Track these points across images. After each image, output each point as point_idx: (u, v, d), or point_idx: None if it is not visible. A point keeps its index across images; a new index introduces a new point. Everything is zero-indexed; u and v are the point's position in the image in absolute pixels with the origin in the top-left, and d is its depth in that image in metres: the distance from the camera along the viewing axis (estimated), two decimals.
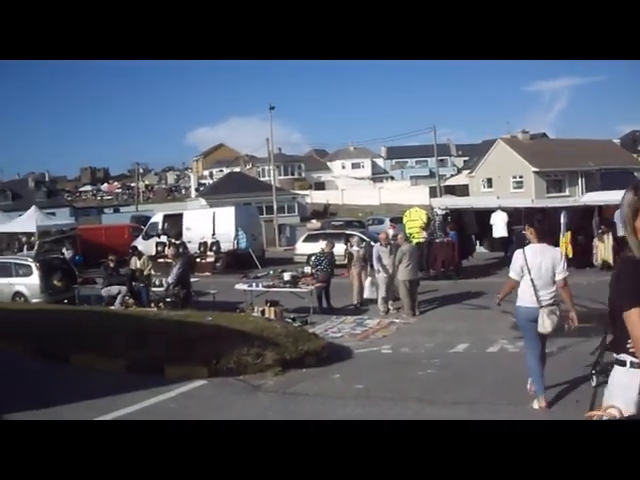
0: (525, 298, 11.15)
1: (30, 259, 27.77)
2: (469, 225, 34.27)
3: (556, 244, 28.29)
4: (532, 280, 10.95)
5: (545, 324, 10.83)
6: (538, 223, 11.79)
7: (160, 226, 45.82)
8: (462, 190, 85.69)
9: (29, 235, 46.57)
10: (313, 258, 26.08)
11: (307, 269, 25.79)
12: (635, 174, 68.87)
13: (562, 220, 30.16)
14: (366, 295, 24.20)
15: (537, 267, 11.00)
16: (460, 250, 32.03)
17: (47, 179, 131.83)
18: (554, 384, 11.89)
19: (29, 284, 25.90)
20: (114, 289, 23.78)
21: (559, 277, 11.02)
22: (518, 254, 11.32)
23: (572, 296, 11.37)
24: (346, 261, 27.14)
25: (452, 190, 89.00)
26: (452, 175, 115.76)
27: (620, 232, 27.48)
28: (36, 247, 42.38)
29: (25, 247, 44.28)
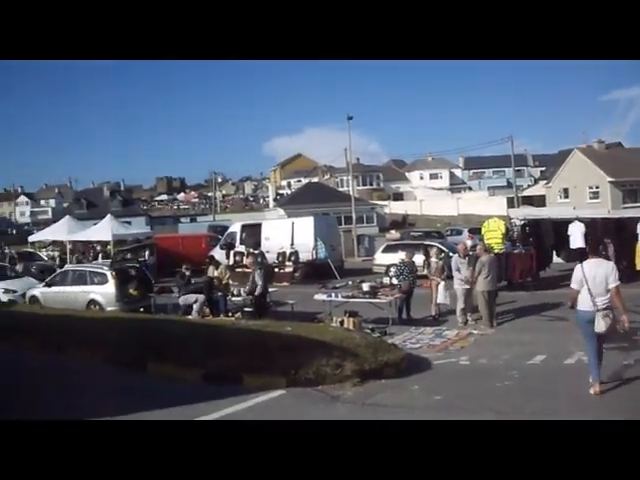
0: (583, 303, 12.83)
1: (106, 267, 27.79)
2: (546, 236, 33.81)
3: (632, 254, 28.09)
4: (589, 289, 12.65)
5: (600, 325, 12.51)
6: (592, 240, 13.70)
7: (238, 236, 45.83)
8: (539, 200, 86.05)
9: (104, 243, 47.13)
10: (394, 269, 26.03)
11: (386, 280, 25.77)
12: None
13: (639, 230, 29.79)
14: (439, 300, 24.13)
15: (592, 278, 12.69)
16: (538, 261, 31.79)
17: (122, 188, 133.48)
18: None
19: (104, 292, 26.03)
20: (191, 298, 23.75)
21: (611, 286, 12.64)
22: (577, 268, 13.09)
23: (623, 301, 12.82)
24: (425, 272, 26.78)
25: (529, 201, 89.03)
26: (529, 185, 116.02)
27: None
28: (112, 255, 42.61)
29: (100, 255, 44.53)
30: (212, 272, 25.08)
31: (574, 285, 12.85)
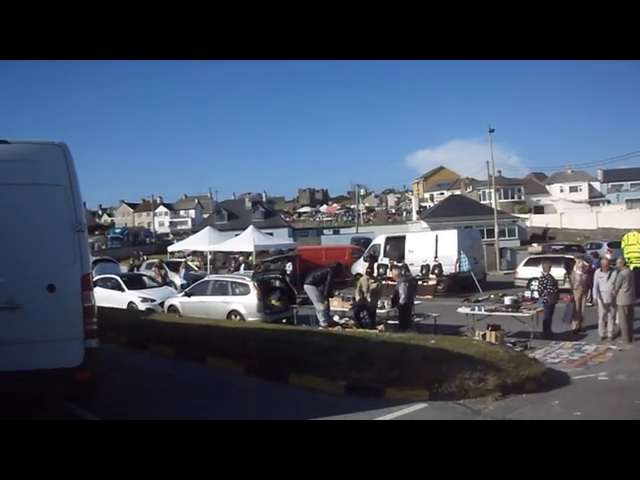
0: None
1: (248, 278, 28.16)
2: None
3: None
4: None
5: None
6: None
7: (382, 248, 46.32)
8: None
9: (246, 254, 47.73)
10: (537, 282, 26.08)
11: (527, 293, 26.08)
12: None
13: None
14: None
15: None
16: None
17: (264, 199, 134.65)
18: None
19: (246, 303, 26.44)
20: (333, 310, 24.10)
21: None
22: None
23: None
24: (566, 285, 26.81)
25: None
26: None
27: None
28: (254, 266, 43.33)
29: (242, 266, 44.96)
30: (366, 284, 23.71)
31: None
